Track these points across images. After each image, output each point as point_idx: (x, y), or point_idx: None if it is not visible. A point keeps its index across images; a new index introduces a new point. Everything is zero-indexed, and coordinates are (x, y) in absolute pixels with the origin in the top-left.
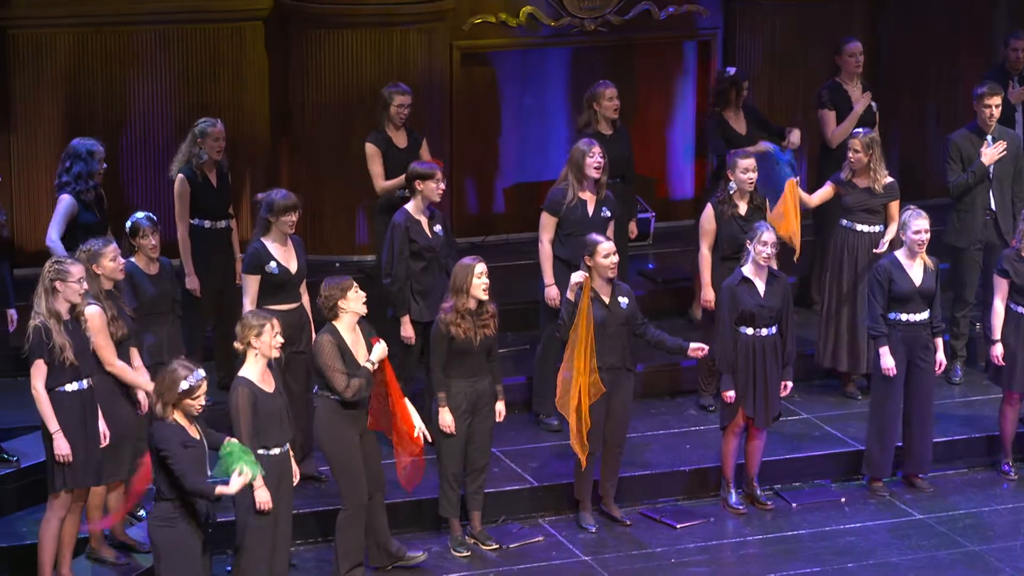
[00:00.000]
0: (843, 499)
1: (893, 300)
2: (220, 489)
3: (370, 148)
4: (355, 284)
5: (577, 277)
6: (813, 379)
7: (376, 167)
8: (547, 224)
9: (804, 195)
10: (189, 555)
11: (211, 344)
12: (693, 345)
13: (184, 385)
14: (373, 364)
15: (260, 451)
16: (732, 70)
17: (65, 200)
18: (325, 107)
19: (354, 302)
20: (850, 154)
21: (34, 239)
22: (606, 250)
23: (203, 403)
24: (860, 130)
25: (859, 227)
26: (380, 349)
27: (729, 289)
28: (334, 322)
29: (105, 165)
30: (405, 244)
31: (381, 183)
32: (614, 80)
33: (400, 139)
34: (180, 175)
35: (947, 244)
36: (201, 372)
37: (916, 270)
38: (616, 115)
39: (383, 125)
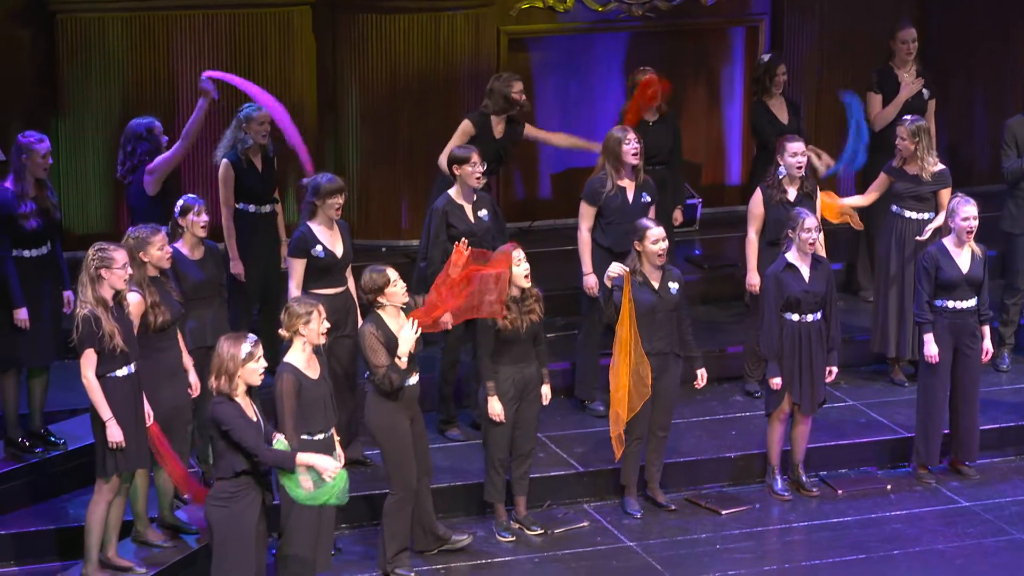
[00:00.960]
0: (889, 486)
1: (940, 287)
2: (301, 458)
3: (465, 124)
4: (392, 278)
5: (615, 270)
6: (860, 365)
7: (455, 141)
8: (586, 214)
9: (854, 199)
10: (244, 535)
11: (256, 328)
12: (701, 371)
13: (246, 348)
14: (401, 359)
15: (304, 436)
16: (766, 56)
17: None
18: (372, 92)
19: (393, 297)
20: (897, 142)
21: (81, 222)
22: (655, 236)
23: (265, 366)
24: (908, 118)
25: (908, 214)
26: (406, 342)
27: (774, 276)
28: (377, 310)
29: (166, 138)
30: (442, 228)
31: (444, 160)
32: (661, 66)
33: (499, 128)
34: (224, 160)
35: (1002, 231)
36: (252, 336)
37: (964, 257)
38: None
39: (490, 110)
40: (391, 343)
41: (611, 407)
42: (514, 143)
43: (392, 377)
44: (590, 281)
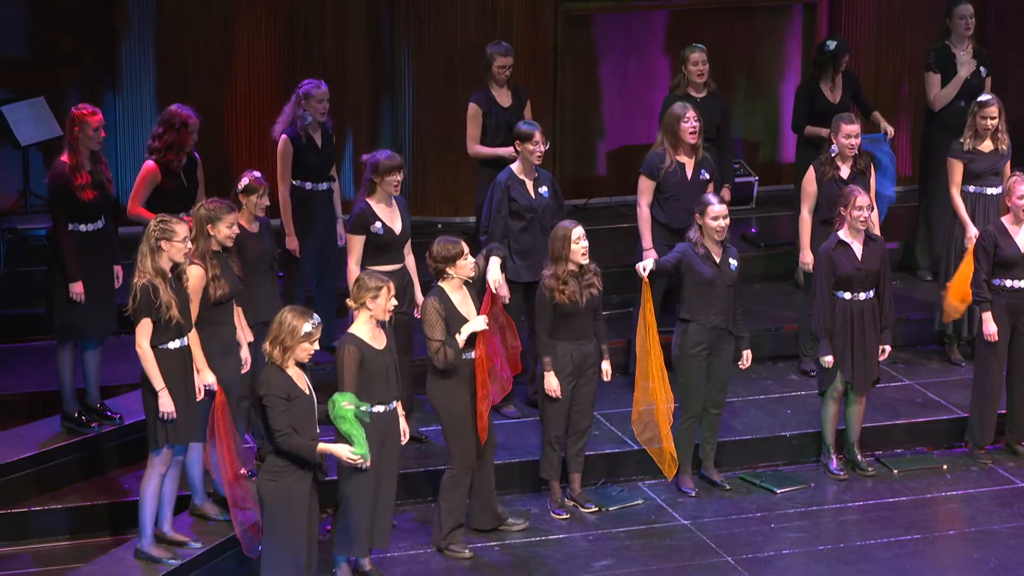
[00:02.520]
0: (945, 466)
1: (998, 265)
2: (323, 447)
3: (472, 108)
4: (465, 251)
5: (643, 270)
6: (916, 345)
7: (473, 129)
8: (645, 188)
9: (968, 226)
10: (294, 510)
11: (313, 305)
12: (746, 353)
13: (308, 327)
14: (461, 334)
15: (363, 408)
16: (833, 44)
17: (149, 169)
18: (429, 67)
19: (462, 269)
20: (987, 122)
21: None
22: (715, 212)
23: (317, 349)
24: (988, 97)
25: (989, 191)
26: (472, 327)
27: (826, 254)
28: (441, 283)
29: (196, 136)
30: (504, 203)
31: (474, 146)
32: (718, 44)
33: (504, 98)
34: (284, 136)
35: None
36: (318, 317)
37: (1021, 236)
38: (702, 79)
39: (487, 84)
40: (452, 317)
41: (661, 443)
42: (520, 113)
43: (448, 352)
44: (650, 256)
